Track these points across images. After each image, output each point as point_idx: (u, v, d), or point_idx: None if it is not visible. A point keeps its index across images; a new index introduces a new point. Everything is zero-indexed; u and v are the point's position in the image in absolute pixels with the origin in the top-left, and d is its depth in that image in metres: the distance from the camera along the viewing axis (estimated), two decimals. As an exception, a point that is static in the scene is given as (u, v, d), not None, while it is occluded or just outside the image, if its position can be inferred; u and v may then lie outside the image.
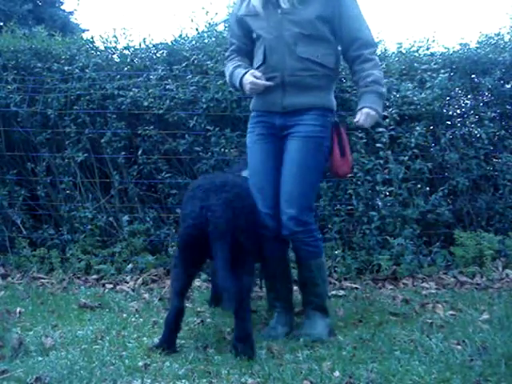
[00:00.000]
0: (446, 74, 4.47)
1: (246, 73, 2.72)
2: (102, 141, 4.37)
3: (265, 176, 2.77)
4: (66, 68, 4.56)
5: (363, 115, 2.68)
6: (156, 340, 2.63)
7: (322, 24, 2.67)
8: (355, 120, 2.73)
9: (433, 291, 3.72)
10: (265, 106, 2.78)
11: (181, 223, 2.67)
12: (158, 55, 4.67)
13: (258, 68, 2.75)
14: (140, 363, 2.31)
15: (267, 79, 2.70)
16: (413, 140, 4.30)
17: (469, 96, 4.75)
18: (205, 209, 2.46)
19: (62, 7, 14.69)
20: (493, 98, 4.70)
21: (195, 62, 4.45)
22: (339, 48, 2.80)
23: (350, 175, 4.28)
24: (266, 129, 2.79)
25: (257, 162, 2.81)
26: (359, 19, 2.73)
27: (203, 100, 4.29)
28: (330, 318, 2.86)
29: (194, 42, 4.64)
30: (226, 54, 3.01)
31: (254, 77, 2.67)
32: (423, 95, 4.38)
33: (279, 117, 2.73)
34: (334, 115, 2.82)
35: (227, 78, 2.92)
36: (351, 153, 2.94)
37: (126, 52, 4.75)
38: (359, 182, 4.26)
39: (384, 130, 4.29)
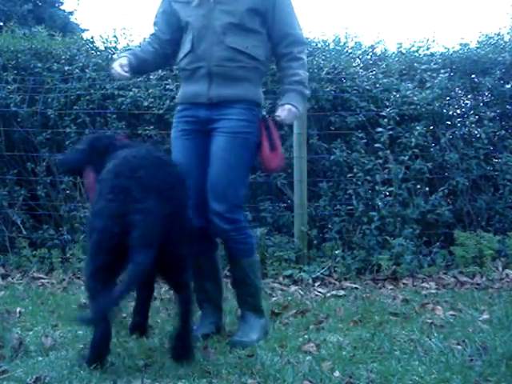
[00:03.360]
0: (446, 74, 4.47)
1: (120, 57, 2.74)
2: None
3: (187, 174, 2.60)
4: (66, 68, 4.57)
5: (285, 111, 2.64)
6: (156, 340, 2.63)
7: (253, 16, 2.62)
8: (277, 114, 2.66)
9: (433, 291, 3.72)
10: (190, 97, 2.69)
11: None
12: (157, 55, 4.67)
13: (184, 57, 2.67)
14: (140, 363, 2.31)
15: (194, 69, 2.64)
16: (413, 140, 4.30)
17: (469, 96, 4.75)
18: None
19: (62, 7, 14.71)
20: (493, 97, 4.70)
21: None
22: (269, 44, 2.72)
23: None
24: (190, 124, 2.69)
25: (178, 160, 2.67)
26: (292, 15, 2.71)
27: (203, 100, 4.29)
28: (264, 318, 2.80)
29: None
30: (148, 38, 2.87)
31: (120, 65, 2.67)
32: (423, 95, 4.38)
33: (205, 109, 2.64)
34: (261, 110, 2.76)
35: None
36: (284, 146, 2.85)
37: (126, 52, 4.74)
38: (359, 182, 4.26)
39: (383, 130, 4.29)
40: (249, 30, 2.62)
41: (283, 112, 2.65)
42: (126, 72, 2.69)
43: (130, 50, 2.88)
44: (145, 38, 2.89)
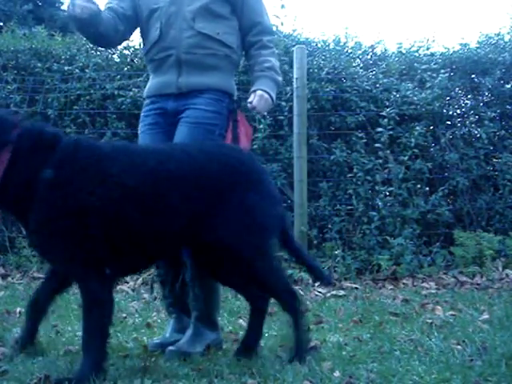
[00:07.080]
0: (446, 74, 4.47)
1: None
2: (102, 141, 4.38)
3: None
4: (65, 68, 4.57)
5: (257, 97, 2.47)
6: (156, 340, 2.63)
7: (223, 3, 2.53)
8: (249, 101, 2.48)
9: (433, 291, 3.72)
10: (158, 88, 2.55)
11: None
12: (157, 55, 4.67)
13: (152, 47, 2.53)
14: (140, 363, 2.31)
15: (163, 58, 2.50)
16: (413, 140, 4.30)
17: (469, 96, 4.76)
18: None
19: (62, 7, 14.67)
20: (493, 97, 4.71)
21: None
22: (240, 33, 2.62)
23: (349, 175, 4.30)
24: (158, 117, 2.54)
25: None
26: (260, 4, 2.64)
27: (203, 100, 4.29)
28: (217, 333, 2.54)
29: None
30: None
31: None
32: (423, 95, 4.38)
33: (173, 100, 2.50)
34: (233, 101, 2.58)
35: None
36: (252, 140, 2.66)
37: (126, 52, 4.76)
38: (359, 182, 4.26)
39: (383, 130, 4.30)
40: (219, 15, 2.52)
41: (255, 98, 2.47)
42: (93, 4, 2.31)
43: None
44: None
